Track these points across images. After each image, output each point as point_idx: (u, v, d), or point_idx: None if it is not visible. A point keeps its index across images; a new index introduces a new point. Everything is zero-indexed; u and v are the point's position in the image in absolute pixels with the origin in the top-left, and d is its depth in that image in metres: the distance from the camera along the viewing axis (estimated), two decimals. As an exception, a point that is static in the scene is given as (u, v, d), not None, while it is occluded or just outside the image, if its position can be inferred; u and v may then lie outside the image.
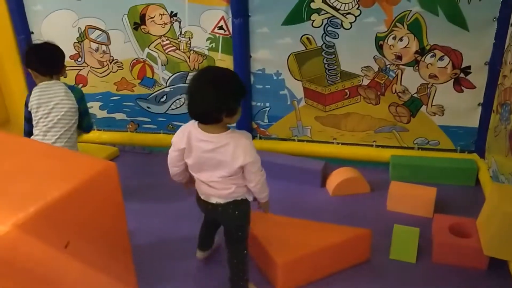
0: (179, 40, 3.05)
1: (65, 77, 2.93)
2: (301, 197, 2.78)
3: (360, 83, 2.91)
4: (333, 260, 2.16)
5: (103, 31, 3.10)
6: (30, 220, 1.28)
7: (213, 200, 1.91)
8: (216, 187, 1.87)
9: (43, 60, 2.47)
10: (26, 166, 1.56)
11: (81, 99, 2.50)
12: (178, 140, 1.89)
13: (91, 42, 3.16)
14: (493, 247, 2.07)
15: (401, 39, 2.75)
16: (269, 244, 2.12)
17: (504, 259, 2.09)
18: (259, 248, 2.16)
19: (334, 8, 2.73)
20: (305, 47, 2.87)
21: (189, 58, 3.09)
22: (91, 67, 3.25)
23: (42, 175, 1.50)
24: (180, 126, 3.25)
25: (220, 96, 1.74)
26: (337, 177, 2.81)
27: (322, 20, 2.77)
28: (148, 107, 3.31)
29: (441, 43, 2.70)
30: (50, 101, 2.41)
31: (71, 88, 2.49)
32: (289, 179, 2.87)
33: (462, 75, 2.76)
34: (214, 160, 1.82)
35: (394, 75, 2.85)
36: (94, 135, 3.38)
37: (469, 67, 2.73)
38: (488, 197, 2.30)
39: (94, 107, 3.34)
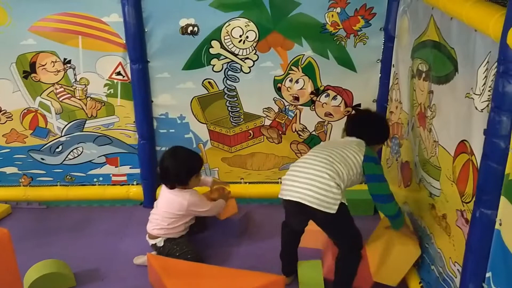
0: (74, 87, 2.92)
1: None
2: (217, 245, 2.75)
3: (263, 123, 3.00)
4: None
5: (-13, 81, 2.88)
6: None
7: None
8: None
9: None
10: None
11: None
12: None
13: (-27, 93, 2.91)
14: (383, 275, 2.27)
15: (297, 81, 2.89)
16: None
17: (389, 284, 2.29)
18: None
19: (233, 53, 2.81)
20: (208, 91, 2.91)
21: (86, 105, 2.96)
22: (-26, 120, 2.99)
23: None
24: (79, 176, 3.14)
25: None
26: None
27: (222, 64, 2.83)
28: (43, 159, 3.09)
29: (333, 84, 2.89)
30: None
31: None
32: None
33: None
34: None
35: (293, 115, 2.98)
36: (-20, 193, 3.09)
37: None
38: (379, 225, 2.46)
39: (-21, 162, 3.07)
